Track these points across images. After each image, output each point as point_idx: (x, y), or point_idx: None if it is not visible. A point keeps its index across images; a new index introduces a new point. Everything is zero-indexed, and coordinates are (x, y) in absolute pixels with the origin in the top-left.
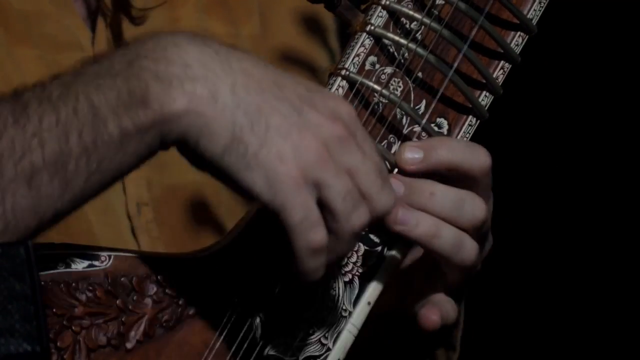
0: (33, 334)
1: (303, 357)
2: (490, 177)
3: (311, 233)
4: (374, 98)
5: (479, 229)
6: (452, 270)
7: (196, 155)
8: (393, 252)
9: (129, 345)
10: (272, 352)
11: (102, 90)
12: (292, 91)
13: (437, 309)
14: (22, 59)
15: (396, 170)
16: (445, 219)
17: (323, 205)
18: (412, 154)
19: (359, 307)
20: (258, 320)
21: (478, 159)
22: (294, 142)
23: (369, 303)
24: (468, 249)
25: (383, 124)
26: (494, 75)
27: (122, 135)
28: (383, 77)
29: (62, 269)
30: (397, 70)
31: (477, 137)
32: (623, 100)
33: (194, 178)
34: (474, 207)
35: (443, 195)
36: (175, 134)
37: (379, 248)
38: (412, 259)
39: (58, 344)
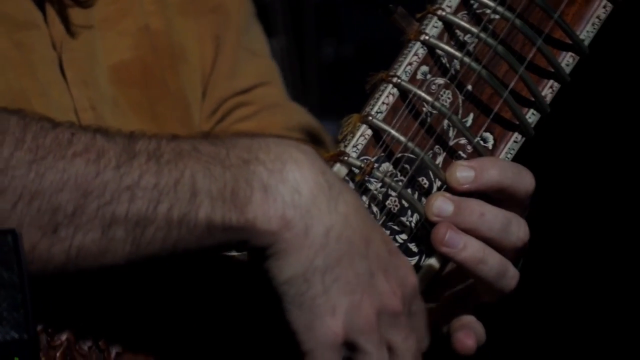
0: (21, 322)
1: None
2: (529, 200)
3: None
4: (424, 108)
5: (520, 250)
6: (489, 294)
7: (260, 260)
8: (431, 261)
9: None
10: None
11: (209, 177)
12: (375, 251)
13: (473, 333)
14: None
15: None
16: (492, 239)
17: None
18: (463, 173)
19: None
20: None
21: (525, 181)
22: (353, 302)
23: None
24: (510, 277)
25: (430, 134)
26: (543, 94)
27: (208, 225)
28: (434, 87)
29: None
30: (449, 82)
31: None
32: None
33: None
34: (519, 229)
35: (493, 216)
36: (254, 244)
37: (417, 257)
38: (444, 278)
39: None
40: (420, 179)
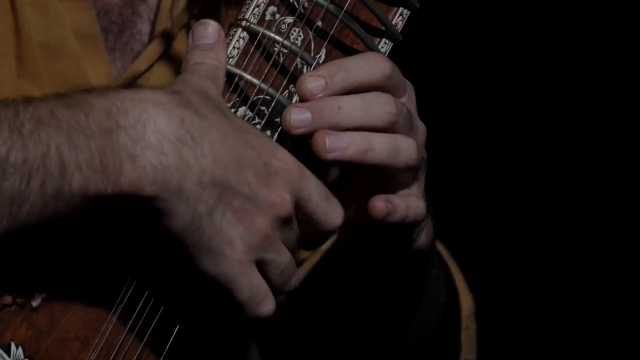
0: None
1: None
2: (395, 74)
3: (259, 307)
4: (275, 48)
5: (393, 123)
6: (399, 173)
7: (150, 220)
8: None
9: (34, 304)
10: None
11: (74, 148)
12: (252, 171)
13: (385, 198)
14: None
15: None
16: (360, 127)
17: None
18: (314, 84)
19: None
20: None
21: (376, 68)
22: (246, 226)
23: None
24: (406, 149)
25: (284, 74)
26: (393, 22)
27: (83, 197)
28: (284, 27)
29: None
30: (298, 20)
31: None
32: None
33: None
34: (383, 104)
35: (350, 105)
36: (135, 211)
37: None
38: (352, 190)
39: None
40: (277, 119)
